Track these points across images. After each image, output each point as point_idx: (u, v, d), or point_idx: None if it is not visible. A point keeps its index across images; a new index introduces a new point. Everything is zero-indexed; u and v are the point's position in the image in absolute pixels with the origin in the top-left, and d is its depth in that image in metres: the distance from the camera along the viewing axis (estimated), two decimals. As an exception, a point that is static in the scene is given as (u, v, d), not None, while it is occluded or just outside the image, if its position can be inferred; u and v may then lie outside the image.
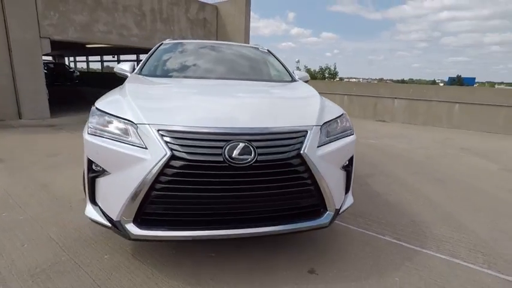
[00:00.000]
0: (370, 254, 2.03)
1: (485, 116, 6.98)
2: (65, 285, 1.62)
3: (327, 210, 1.72)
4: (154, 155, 1.46)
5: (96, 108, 1.77)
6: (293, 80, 2.85)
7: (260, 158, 1.50)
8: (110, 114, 1.68)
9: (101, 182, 1.65)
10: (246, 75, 2.78)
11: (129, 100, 1.77)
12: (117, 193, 1.54)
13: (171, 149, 1.46)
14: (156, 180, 1.46)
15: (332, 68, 25.14)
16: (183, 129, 1.52)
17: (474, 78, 66.94)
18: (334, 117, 1.91)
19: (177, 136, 1.50)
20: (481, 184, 3.48)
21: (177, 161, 1.45)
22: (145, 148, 1.51)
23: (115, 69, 2.87)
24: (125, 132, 1.59)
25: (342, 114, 1.99)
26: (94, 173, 1.66)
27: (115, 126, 1.63)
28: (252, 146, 1.50)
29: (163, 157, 1.44)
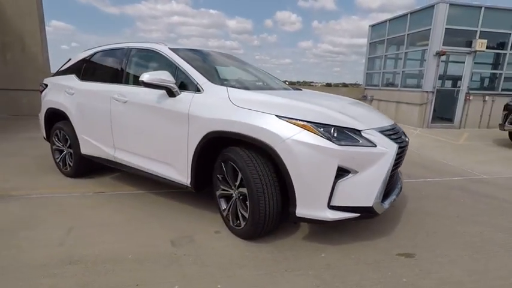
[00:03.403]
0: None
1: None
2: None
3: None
4: (390, 148, 2.04)
5: (316, 122, 1.93)
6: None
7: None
8: (337, 126, 1.95)
9: (344, 184, 1.91)
10: (281, 85, 3.21)
11: (326, 111, 2.06)
12: (368, 184, 1.96)
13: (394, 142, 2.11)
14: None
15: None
16: (387, 129, 2.18)
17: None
18: None
19: (387, 134, 2.14)
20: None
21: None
22: (375, 146, 2.02)
23: (146, 79, 2.35)
24: (353, 137, 1.98)
25: None
26: (338, 178, 1.90)
27: (344, 133, 1.95)
28: (404, 133, 2.44)
29: (396, 148, 2.07)
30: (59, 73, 3.80)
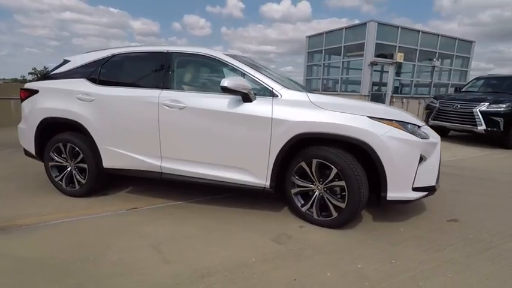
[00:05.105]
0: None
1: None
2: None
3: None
4: (437, 139, 2.62)
5: (399, 121, 2.36)
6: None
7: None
8: (410, 123, 2.42)
9: (421, 169, 2.39)
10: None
11: (396, 111, 2.54)
12: (432, 168, 2.50)
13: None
14: (436, 152, 2.65)
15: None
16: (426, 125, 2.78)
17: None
18: None
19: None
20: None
21: (437, 139, 2.74)
22: (429, 138, 2.57)
23: (228, 85, 2.41)
24: (418, 131, 2.48)
25: None
26: (418, 164, 2.36)
27: (413, 129, 2.43)
28: None
29: (440, 139, 2.67)
30: (53, 77, 3.26)
